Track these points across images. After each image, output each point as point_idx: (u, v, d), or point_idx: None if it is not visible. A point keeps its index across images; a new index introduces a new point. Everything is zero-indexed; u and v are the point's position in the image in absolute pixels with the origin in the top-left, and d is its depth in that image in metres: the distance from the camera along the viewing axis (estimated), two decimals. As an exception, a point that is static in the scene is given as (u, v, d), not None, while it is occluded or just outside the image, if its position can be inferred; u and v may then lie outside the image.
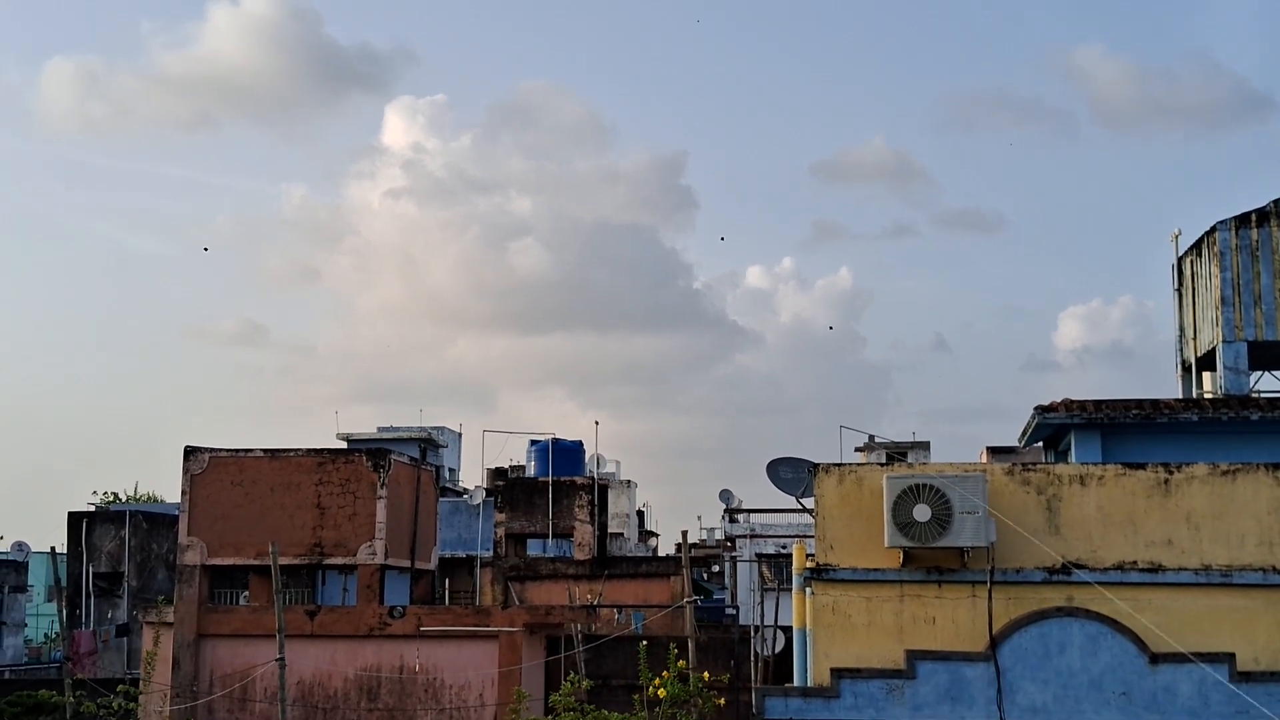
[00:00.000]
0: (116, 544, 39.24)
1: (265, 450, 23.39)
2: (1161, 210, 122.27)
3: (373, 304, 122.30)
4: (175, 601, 22.93)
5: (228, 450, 23.38)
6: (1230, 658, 12.65)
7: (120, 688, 20.38)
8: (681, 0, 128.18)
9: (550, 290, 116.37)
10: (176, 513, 24.25)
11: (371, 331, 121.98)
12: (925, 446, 51.62)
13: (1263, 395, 23.06)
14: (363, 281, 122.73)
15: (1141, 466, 13.47)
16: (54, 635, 50.09)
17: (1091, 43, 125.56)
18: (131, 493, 65.97)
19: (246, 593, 28.14)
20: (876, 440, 51.93)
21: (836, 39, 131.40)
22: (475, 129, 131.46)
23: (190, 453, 23.29)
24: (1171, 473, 13.35)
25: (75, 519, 39.80)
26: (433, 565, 26.43)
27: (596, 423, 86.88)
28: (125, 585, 39.02)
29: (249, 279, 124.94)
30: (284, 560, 21.28)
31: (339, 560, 23.27)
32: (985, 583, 13.04)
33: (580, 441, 45.21)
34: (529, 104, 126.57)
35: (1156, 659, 12.70)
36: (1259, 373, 24.42)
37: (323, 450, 23.69)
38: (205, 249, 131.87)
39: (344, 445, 45.36)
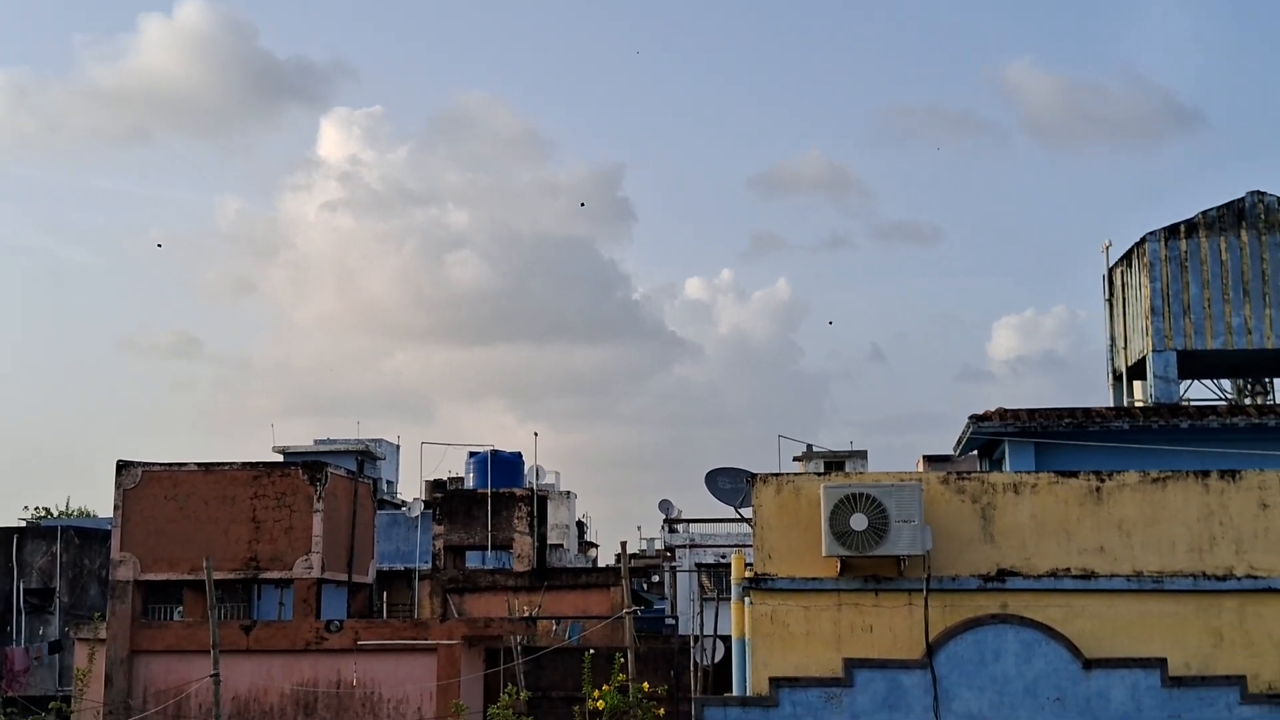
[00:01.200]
0: (48, 560, 38.65)
1: (199, 464, 23.18)
2: (1093, 222, 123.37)
3: (309, 316, 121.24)
4: (108, 618, 22.65)
5: (161, 464, 23.14)
6: (1162, 663, 12.81)
7: (52, 705, 20.17)
8: (619, 14, 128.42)
9: (488, 302, 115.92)
10: (109, 528, 23.96)
11: (308, 344, 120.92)
12: (862, 455, 52.03)
13: (1192, 404, 23.46)
14: (299, 294, 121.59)
15: (1074, 475, 13.62)
16: (-16, 653, 49.24)
17: (1022, 57, 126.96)
18: (63, 507, 64.91)
19: (181, 608, 27.84)
20: (814, 450, 52.31)
21: (772, 52, 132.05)
22: (412, 141, 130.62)
23: (123, 467, 23.02)
24: (1103, 481, 13.51)
25: (5, 534, 39.16)
26: (370, 578, 26.27)
27: (535, 434, 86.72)
28: (57, 602, 38.44)
29: (184, 291, 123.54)
30: (219, 575, 21.08)
31: (275, 574, 23.08)
32: (921, 591, 13.14)
33: (519, 453, 45.18)
34: (466, 116, 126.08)
35: (1090, 665, 12.84)
36: (1188, 381, 24.84)
37: (258, 464, 23.51)
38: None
39: (280, 458, 45.10)
